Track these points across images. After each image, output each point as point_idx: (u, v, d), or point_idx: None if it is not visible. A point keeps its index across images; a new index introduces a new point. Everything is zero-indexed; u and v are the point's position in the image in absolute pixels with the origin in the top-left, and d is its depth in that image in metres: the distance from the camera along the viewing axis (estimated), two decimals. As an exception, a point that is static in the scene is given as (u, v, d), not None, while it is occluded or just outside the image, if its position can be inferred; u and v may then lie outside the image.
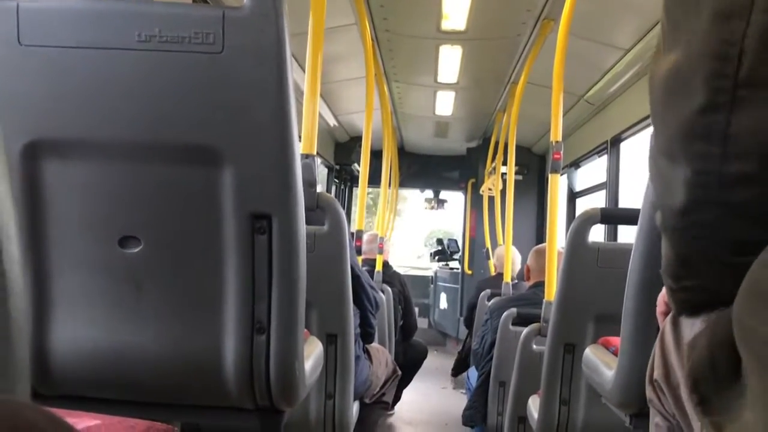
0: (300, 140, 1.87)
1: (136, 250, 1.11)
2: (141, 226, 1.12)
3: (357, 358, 2.38)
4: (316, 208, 1.81)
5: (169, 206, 1.11)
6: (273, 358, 1.13)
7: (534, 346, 2.52)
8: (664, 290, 0.91)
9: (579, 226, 1.94)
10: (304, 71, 2.04)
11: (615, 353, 1.46)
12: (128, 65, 1.05)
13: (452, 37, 4.04)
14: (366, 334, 2.56)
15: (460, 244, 8.07)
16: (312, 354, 1.37)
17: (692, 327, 0.73)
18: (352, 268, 2.13)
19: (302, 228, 1.13)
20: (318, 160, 6.02)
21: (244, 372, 1.13)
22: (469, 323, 4.88)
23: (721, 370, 0.56)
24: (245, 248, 1.10)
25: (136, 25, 1.04)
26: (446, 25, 3.85)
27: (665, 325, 0.87)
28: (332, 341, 1.90)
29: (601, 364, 1.49)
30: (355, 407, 2.23)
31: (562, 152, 2.66)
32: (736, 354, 0.52)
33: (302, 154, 1.88)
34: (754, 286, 0.50)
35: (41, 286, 1.15)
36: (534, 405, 2.20)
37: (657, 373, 0.85)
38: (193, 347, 1.14)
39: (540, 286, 3.07)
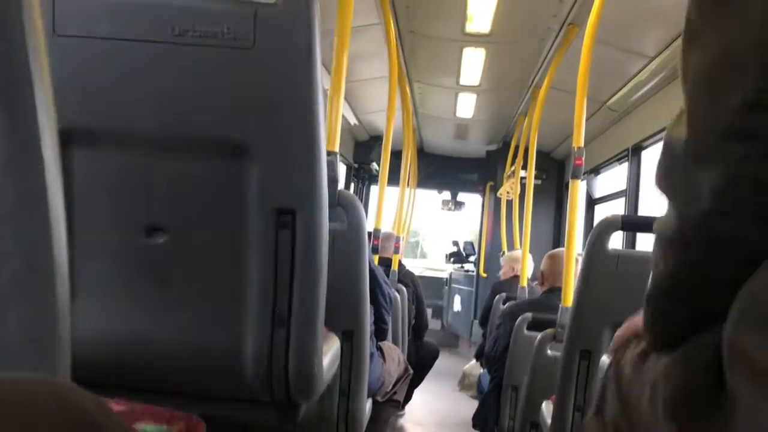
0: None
1: (162, 240, 1.13)
2: (167, 218, 1.13)
3: (371, 355, 2.39)
4: (337, 206, 1.82)
5: (196, 198, 1.13)
6: (292, 352, 1.14)
7: (549, 352, 2.52)
8: (627, 323, 0.89)
9: (599, 233, 1.93)
10: (327, 69, 2.05)
11: (631, 361, 1.46)
12: (161, 58, 1.07)
13: (476, 39, 4.04)
14: (380, 331, 2.57)
15: (475, 246, 8.05)
16: (330, 350, 1.38)
17: (658, 361, 0.70)
18: (369, 265, 2.14)
19: (325, 224, 1.14)
20: (338, 158, 6.03)
21: (263, 365, 1.15)
22: (484, 326, 4.87)
23: (701, 399, 0.55)
24: (268, 243, 1.11)
25: (170, 18, 1.06)
26: (470, 27, 3.85)
27: (623, 360, 0.83)
28: (348, 338, 1.91)
29: (618, 371, 1.48)
30: (368, 405, 2.24)
31: (583, 158, 2.65)
32: (715, 381, 0.51)
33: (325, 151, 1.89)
34: (752, 309, 0.48)
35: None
36: (547, 410, 2.20)
37: (611, 413, 0.77)
38: (213, 339, 1.15)
39: (554, 291, 3.06)
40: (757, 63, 0.44)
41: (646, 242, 4.26)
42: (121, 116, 1.10)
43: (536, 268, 4.35)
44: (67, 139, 1.11)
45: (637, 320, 0.81)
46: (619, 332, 0.88)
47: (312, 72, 1.07)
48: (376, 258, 3.24)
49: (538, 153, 5.16)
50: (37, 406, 0.36)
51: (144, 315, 1.16)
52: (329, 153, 1.88)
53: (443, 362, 5.19)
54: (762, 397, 0.45)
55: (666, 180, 0.56)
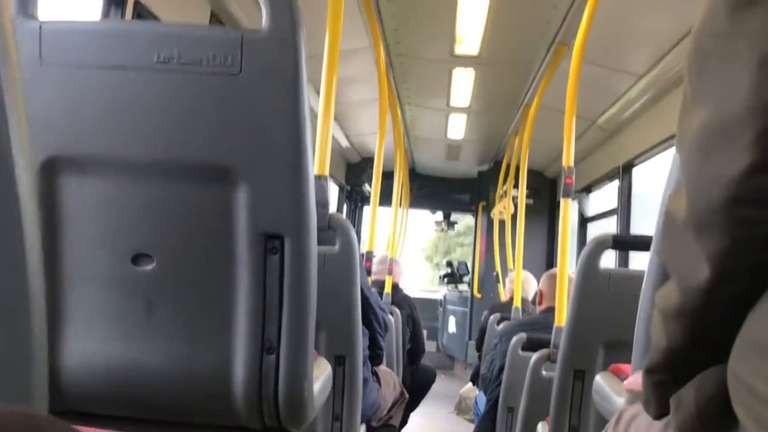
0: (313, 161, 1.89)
1: (149, 267, 1.12)
2: (154, 244, 1.12)
3: (365, 380, 2.37)
4: (328, 229, 1.81)
5: (183, 224, 1.12)
6: (282, 378, 1.13)
7: (544, 372, 2.51)
8: (634, 376, 0.89)
9: (591, 252, 1.93)
10: (318, 93, 2.06)
11: (624, 381, 1.45)
12: (147, 86, 1.07)
13: (465, 61, 4.07)
14: (375, 356, 2.55)
15: (469, 267, 8.05)
16: (321, 375, 1.37)
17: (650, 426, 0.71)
18: (362, 289, 2.13)
19: (314, 249, 1.13)
20: (330, 181, 6.04)
21: (253, 392, 1.13)
22: (480, 348, 4.85)
23: (709, 426, 0.55)
24: (257, 268, 1.11)
25: (155, 46, 1.06)
26: (460, 49, 3.88)
27: (625, 413, 0.85)
28: (341, 363, 1.90)
29: (612, 391, 1.48)
30: (362, 430, 2.22)
31: (574, 177, 2.66)
32: (724, 410, 0.51)
33: (315, 175, 1.89)
34: (752, 341, 0.48)
35: (54, 301, 1.15)
36: (543, 431, 2.18)
37: None
38: (202, 366, 1.14)
39: (551, 311, 3.05)
40: (754, 128, 0.44)
41: (638, 260, 4.26)
42: (108, 144, 1.10)
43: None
44: (54, 167, 1.11)
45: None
46: (628, 381, 0.89)
47: (299, 96, 1.07)
48: (369, 280, 3.23)
49: (530, 172, 5.18)
50: None
51: (132, 342, 1.15)
52: (319, 177, 1.89)
53: (439, 384, 5.15)
54: (760, 424, 0.45)
55: (667, 251, 0.56)
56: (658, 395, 0.63)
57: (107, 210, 1.13)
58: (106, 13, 2.32)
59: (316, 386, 1.26)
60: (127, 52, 1.07)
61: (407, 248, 7.73)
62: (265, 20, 1.05)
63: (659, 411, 0.64)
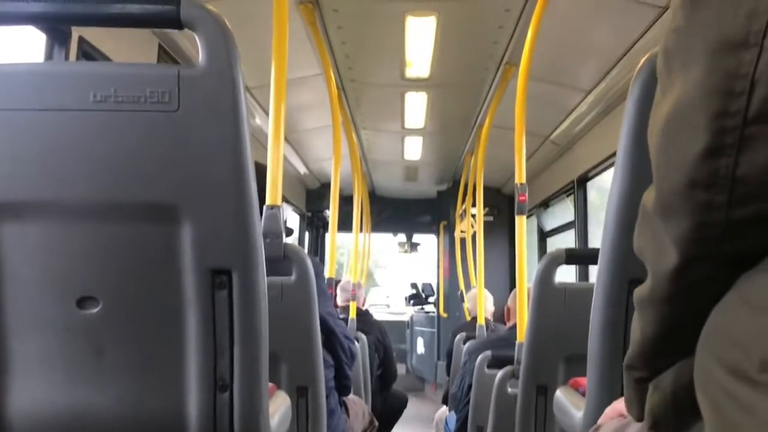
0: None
1: (95, 310, 1.10)
2: (99, 286, 1.10)
3: (332, 411, 2.34)
4: (283, 259, 1.80)
5: (128, 265, 1.10)
6: (237, 414, 1.11)
7: (509, 389, 2.51)
8: (613, 405, 0.91)
9: (545, 267, 1.95)
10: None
11: (584, 394, 1.46)
12: (84, 126, 1.05)
13: (417, 84, 4.12)
14: (342, 387, 2.53)
15: (434, 287, 8.06)
16: (279, 409, 1.35)
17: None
18: (326, 319, 2.12)
19: (263, 281, 1.12)
20: (289, 209, 6.02)
21: (207, 430, 1.11)
22: (449, 371, 4.84)
23: (683, 411, 0.56)
24: (205, 304, 1.09)
25: (91, 85, 1.05)
26: (410, 72, 3.92)
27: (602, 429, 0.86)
28: (303, 394, 1.87)
29: (571, 405, 1.49)
30: (330, 461, 2.19)
31: (527, 194, 2.69)
32: (690, 404, 0.52)
33: (267, 205, 1.88)
34: (713, 330, 0.49)
35: None
36: (510, 449, 2.18)
37: None
38: (155, 408, 1.12)
39: (516, 327, 3.07)
40: (705, 112, 0.45)
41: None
42: (47, 187, 1.08)
43: (496, 304, 4.36)
44: None
45: (620, 403, 0.82)
46: (606, 411, 0.90)
47: (239, 129, 1.06)
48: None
49: (489, 189, 5.23)
50: None
51: (81, 388, 1.12)
52: (272, 206, 1.88)
53: (410, 407, 5.12)
54: (715, 408, 0.46)
55: (641, 242, 0.57)
56: (638, 394, 0.64)
57: (49, 254, 1.10)
58: (49, 53, 2.29)
59: (274, 421, 1.24)
60: (63, 92, 1.05)
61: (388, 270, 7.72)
62: (201, 55, 1.05)
63: (641, 411, 0.65)
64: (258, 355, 1.12)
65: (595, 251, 1.63)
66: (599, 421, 0.90)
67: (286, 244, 1.82)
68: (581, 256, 2.25)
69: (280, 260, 1.80)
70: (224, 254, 1.08)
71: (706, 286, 0.51)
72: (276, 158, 1.92)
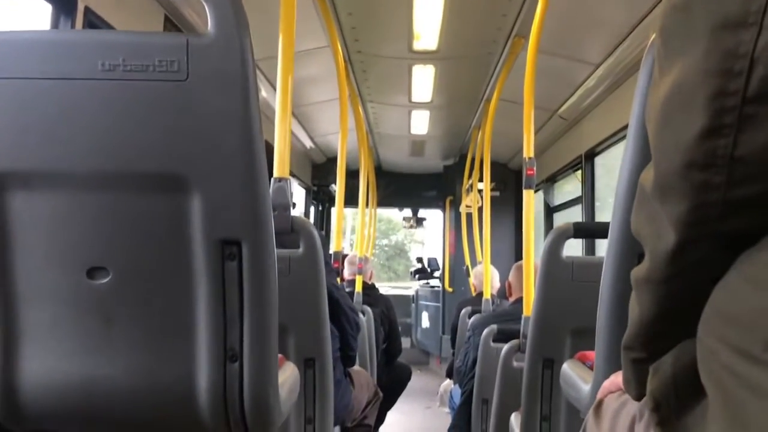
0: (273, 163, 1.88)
1: (105, 280, 1.10)
2: (109, 257, 1.10)
3: (338, 382, 2.36)
4: (291, 232, 1.80)
5: (137, 235, 1.10)
6: (247, 385, 1.12)
7: (515, 363, 2.52)
8: (612, 377, 0.91)
9: (553, 241, 1.95)
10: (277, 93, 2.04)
11: (591, 368, 1.46)
12: (93, 95, 1.05)
13: (424, 56, 4.08)
14: (347, 357, 2.55)
15: (440, 262, 8.07)
16: (288, 379, 1.36)
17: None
18: (331, 291, 2.12)
19: (273, 253, 1.12)
20: (295, 182, 6.02)
21: (218, 400, 1.12)
22: (454, 344, 4.87)
23: (684, 392, 0.56)
24: (215, 275, 1.09)
25: (99, 54, 1.04)
26: (418, 45, 3.88)
27: (604, 404, 0.86)
28: (310, 365, 1.89)
29: (578, 379, 1.49)
30: (336, 431, 2.21)
31: (535, 168, 2.68)
32: (699, 379, 0.52)
33: (275, 178, 1.88)
34: (716, 310, 0.49)
35: (9, 319, 1.13)
36: (516, 422, 2.20)
37: None
38: (165, 377, 1.12)
39: (521, 302, 3.08)
40: (704, 92, 0.45)
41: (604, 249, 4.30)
42: (55, 156, 1.07)
43: (502, 280, 4.37)
44: (1, 183, 1.08)
45: (618, 376, 0.82)
46: (605, 384, 0.90)
47: (248, 99, 1.05)
48: (338, 281, 3.22)
49: (496, 164, 5.20)
50: None
51: (92, 357, 1.13)
52: (280, 179, 1.87)
53: (415, 380, 5.16)
54: (719, 388, 0.46)
55: (639, 223, 0.57)
56: (636, 374, 0.64)
57: (59, 224, 1.10)
58: (55, 23, 2.28)
59: (283, 391, 1.24)
60: (70, 61, 1.04)
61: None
62: (210, 24, 1.04)
63: (639, 391, 0.65)
64: (268, 326, 1.12)
65: (604, 225, 1.63)
66: (598, 395, 0.90)
67: (293, 216, 1.82)
68: (589, 230, 2.24)
69: (288, 233, 1.80)
70: (234, 225, 1.08)
71: (704, 268, 0.51)
72: (284, 130, 1.92)
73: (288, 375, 1.39)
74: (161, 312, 1.12)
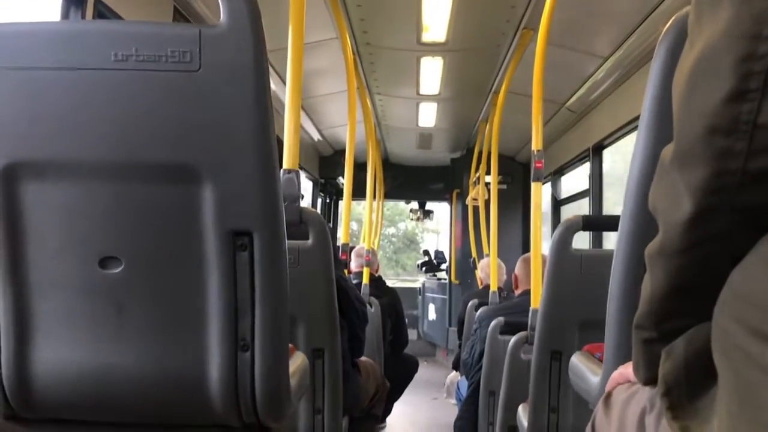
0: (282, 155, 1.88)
1: (117, 270, 1.11)
2: (121, 247, 1.11)
3: (346, 372, 2.37)
4: (300, 223, 1.81)
5: (149, 225, 1.11)
6: (258, 374, 1.12)
7: (522, 355, 2.53)
8: (620, 369, 0.91)
9: (562, 234, 1.95)
10: (285, 86, 2.05)
11: (600, 360, 1.47)
12: (105, 85, 1.05)
13: (433, 48, 4.07)
14: (355, 348, 2.56)
15: (446, 254, 8.07)
16: (298, 369, 1.37)
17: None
18: (339, 282, 2.13)
19: (284, 244, 1.13)
20: (302, 174, 6.02)
21: (229, 390, 1.13)
22: (460, 336, 4.87)
23: (695, 377, 0.56)
24: (227, 265, 1.10)
25: (111, 44, 1.04)
26: (426, 37, 3.87)
27: (613, 395, 0.86)
28: (319, 356, 1.90)
29: (587, 371, 1.49)
30: (344, 422, 2.23)
31: (543, 161, 2.68)
32: (710, 362, 0.52)
33: (285, 170, 1.88)
34: (733, 290, 0.49)
35: (22, 309, 1.14)
36: (524, 414, 2.20)
37: None
38: (176, 367, 1.13)
39: (527, 294, 3.08)
40: (731, 56, 0.45)
41: (613, 241, 4.30)
42: (68, 147, 1.08)
43: (509, 273, 4.37)
44: (13, 174, 1.09)
45: (627, 367, 0.82)
46: (613, 375, 0.90)
47: (262, 90, 1.06)
48: (345, 272, 3.23)
49: (503, 157, 5.20)
50: None
51: (104, 346, 1.14)
52: (289, 171, 1.87)
53: (422, 372, 5.17)
54: (733, 369, 0.46)
55: (656, 196, 0.57)
56: (646, 356, 0.64)
57: (71, 214, 1.11)
58: (65, 14, 2.28)
59: (293, 381, 1.25)
60: (83, 51, 1.05)
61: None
62: (222, 14, 1.04)
63: (647, 374, 0.65)
64: (279, 316, 1.13)
65: (613, 218, 1.63)
66: (607, 387, 0.90)
67: (302, 208, 1.82)
68: (599, 223, 2.24)
69: (297, 224, 1.81)
70: (245, 216, 1.08)
71: (719, 243, 0.51)
72: (293, 121, 1.92)
73: (298, 365, 1.39)
74: (173, 302, 1.13)
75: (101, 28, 1.08)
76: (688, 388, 0.57)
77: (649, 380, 0.66)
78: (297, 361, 1.41)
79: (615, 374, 0.91)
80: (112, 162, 1.08)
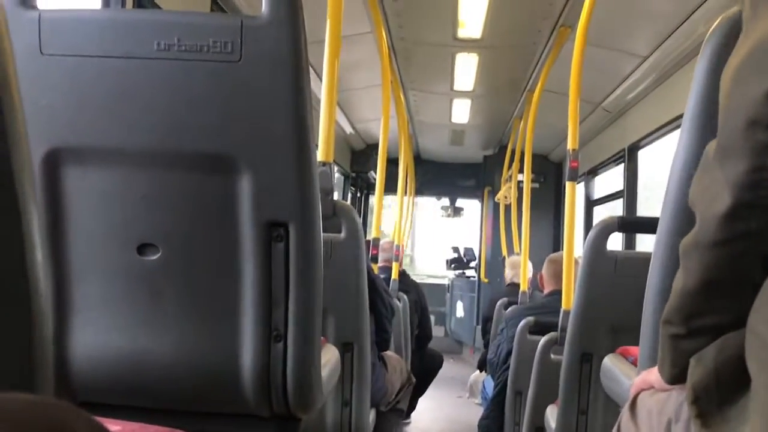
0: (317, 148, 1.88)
1: (155, 257, 1.12)
2: (159, 234, 1.12)
3: (372, 365, 2.37)
4: (333, 216, 1.81)
5: (187, 214, 1.12)
6: (290, 365, 1.13)
7: (552, 356, 2.51)
8: (640, 377, 0.90)
9: (597, 235, 1.93)
10: (320, 79, 2.05)
11: (634, 363, 1.45)
12: (148, 74, 1.06)
13: (468, 44, 4.04)
14: (381, 341, 2.56)
15: (476, 252, 8.04)
16: (329, 361, 1.37)
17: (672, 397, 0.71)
18: (368, 275, 2.13)
19: (319, 236, 1.13)
20: (334, 168, 6.03)
21: (261, 379, 1.13)
22: (486, 335, 4.85)
23: (725, 385, 0.55)
24: (262, 256, 1.10)
25: (155, 34, 1.05)
26: (462, 33, 3.85)
27: (638, 401, 0.85)
28: (349, 349, 1.90)
29: (620, 373, 1.47)
30: (371, 415, 2.23)
31: (579, 160, 2.65)
32: (741, 371, 0.51)
33: (319, 162, 1.88)
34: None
35: (61, 293, 1.15)
36: (552, 415, 2.19)
37: None
38: (210, 354, 1.14)
39: (555, 294, 3.06)
40: None
41: (644, 244, 4.25)
42: (110, 133, 1.09)
43: (535, 272, 4.34)
44: (57, 158, 1.10)
45: (650, 373, 0.82)
46: (636, 381, 0.89)
47: (301, 82, 1.06)
48: (375, 267, 3.23)
49: (535, 156, 5.15)
50: (28, 426, 0.35)
51: (140, 332, 1.15)
52: (323, 163, 1.88)
53: (447, 369, 5.17)
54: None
55: (696, 190, 0.57)
56: (672, 353, 0.64)
57: (111, 200, 1.12)
58: (106, 2, 2.31)
59: (324, 373, 1.26)
60: (127, 40, 1.06)
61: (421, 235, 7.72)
62: (264, 6, 1.05)
63: (672, 371, 0.65)
64: (312, 308, 1.13)
65: (651, 219, 1.60)
66: (632, 391, 0.90)
67: (336, 201, 1.82)
68: (635, 224, 2.21)
69: (330, 217, 1.81)
70: (282, 208, 1.09)
71: (753, 240, 0.50)
72: (329, 114, 1.92)
73: (329, 357, 1.40)
74: (208, 290, 1.14)
75: (145, 17, 1.10)
76: (718, 395, 0.56)
77: (673, 378, 0.66)
78: (328, 353, 1.42)
79: (638, 380, 0.90)
80: (153, 150, 1.09)
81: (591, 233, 1.95)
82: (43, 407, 0.36)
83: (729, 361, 0.55)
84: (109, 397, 1.20)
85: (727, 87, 0.50)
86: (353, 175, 7.34)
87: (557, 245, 6.78)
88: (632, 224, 2.21)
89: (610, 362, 1.57)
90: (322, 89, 1.98)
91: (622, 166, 4.62)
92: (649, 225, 1.81)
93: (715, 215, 0.52)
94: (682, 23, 3.06)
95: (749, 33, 0.48)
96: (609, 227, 1.92)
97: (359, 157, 7.27)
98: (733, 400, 0.54)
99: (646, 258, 1.32)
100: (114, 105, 1.08)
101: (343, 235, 1.83)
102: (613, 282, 1.90)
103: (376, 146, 3.54)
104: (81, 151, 1.10)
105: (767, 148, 0.45)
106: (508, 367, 3.19)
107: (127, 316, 1.15)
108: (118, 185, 1.12)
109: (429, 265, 8.58)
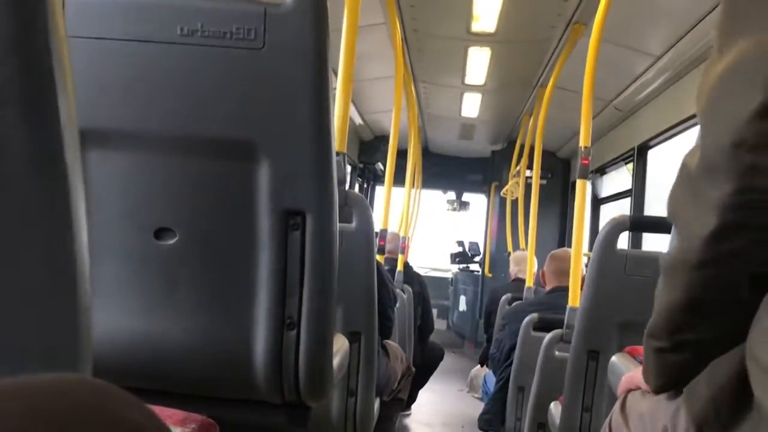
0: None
1: (171, 242, 1.13)
2: (177, 218, 1.13)
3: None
4: (345, 206, 1.82)
5: (205, 200, 1.12)
6: (302, 353, 1.14)
7: (556, 352, 2.51)
8: (626, 376, 0.90)
9: (608, 233, 1.93)
10: (333, 70, 2.05)
11: (641, 363, 1.45)
12: (170, 59, 1.07)
13: (481, 38, 4.03)
14: (384, 328, 2.57)
15: (481, 247, 8.04)
16: (338, 351, 1.38)
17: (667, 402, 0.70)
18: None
19: (335, 226, 1.13)
20: (346, 158, 6.04)
21: (273, 367, 1.14)
22: (487, 330, 4.86)
23: (725, 413, 0.55)
24: (278, 244, 1.11)
25: (178, 19, 1.05)
26: (476, 26, 3.84)
27: (627, 403, 0.85)
28: (356, 339, 1.91)
29: (627, 372, 1.48)
30: (376, 404, 2.24)
31: (590, 158, 2.64)
32: (736, 396, 0.51)
33: None
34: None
35: None
36: (555, 411, 2.19)
37: None
38: (223, 340, 1.15)
39: (558, 291, 3.06)
40: (765, 68, 0.44)
41: (651, 243, 4.25)
42: (131, 117, 1.10)
43: (538, 268, 4.34)
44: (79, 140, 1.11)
45: (637, 372, 0.82)
46: (623, 380, 0.89)
47: (322, 71, 1.06)
48: (381, 258, 3.24)
49: (544, 152, 5.14)
50: (77, 404, 0.35)
51: (154, 316, 1.16)
52: (337, 153, 1.88)
53: (449, 362, 5.18)
54: None
55: (677, 203, 0.55)
56: (657, 365, 0.64)
57: (130, 183, 1.13)
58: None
59: (335, 362, 1.26)
60: (150, 24, 1.07)
61: (421, 228, 7.71)
62: None
63: (658, 383, 0.65)
64: (327, 297, 1.14)
65: (662, 218, 1.60)
66: (619, 391, 0.90)
67: (348, 191, 1.83)
68: (646, 223, 2.21)
69: (341, 207, 1.81)
70: (300, 196, 1.09)
71: (739, 260, 0.50)
72: (344, 105, 1.92)
73: (339, 346, 1.41)
74: (223, 276, 1.14)
75: (169, 2, 1.10)
76: (718, 424, 0.56)
77: (660, 389, 0.66)
78: (338, 343, 1.43)
79: (624, 379, 0.90)
80: (173, 134, 1.09)
81: (602, 231, 1.95)
82: (90, 386, 0.37)
83: (723, 389, 0.55)
84: (122, 379, 1.20)
85: (705, 104, 0.49)
86: (361, 165, 7.34)
87: (562, 242, 6.78)
88: (643, 223, 2.21)
89: (617, 360, 1.57)
90: (337, 79, 1.98)
91: (629, 165, 4.62)
92: (660, 224, 1.81)
93: (700, 236, 0.51)
94: (697, 23, 3.05)
95: (725, 50, 0.48)
96: (620, 226, 1.93)
97: (367, 148, 7.26)
98: (737, 423, 0.54)
99: (656, 258, 1.32)
100: (136, 89, 1.08)
101: (354, 225, 1.84)
102: (623, 280, 1.91)
103: (384, 137, 3.54)
104: (101, 133, 1.10)
105: (753, 169, 0.45)
106: (511, 363, 3.19)
107: (142, 300, 1.16)
108: (137, 169, 1.12)
109: (425, 258, 8.54)
